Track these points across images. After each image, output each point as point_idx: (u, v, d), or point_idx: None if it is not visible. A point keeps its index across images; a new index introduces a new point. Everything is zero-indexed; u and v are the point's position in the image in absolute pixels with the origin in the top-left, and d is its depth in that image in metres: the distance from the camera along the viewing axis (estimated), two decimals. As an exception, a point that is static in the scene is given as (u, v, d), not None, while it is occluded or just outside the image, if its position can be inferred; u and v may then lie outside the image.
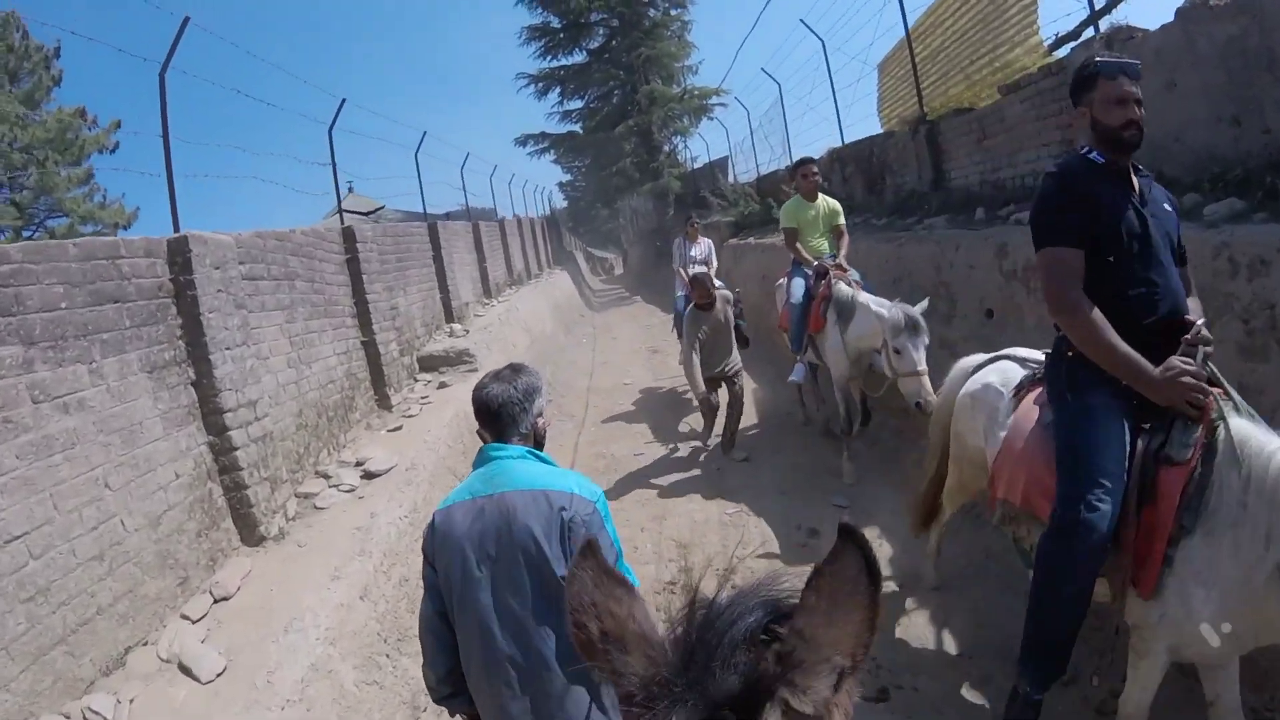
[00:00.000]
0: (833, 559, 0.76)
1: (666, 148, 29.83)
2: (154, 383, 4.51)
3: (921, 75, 9.95)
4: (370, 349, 7.83)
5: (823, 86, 15.45)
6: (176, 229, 5.24)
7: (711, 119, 28.13)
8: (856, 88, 18.44)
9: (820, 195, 7.30)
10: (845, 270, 6.61)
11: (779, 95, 17.27)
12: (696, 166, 28.90)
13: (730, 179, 23.21)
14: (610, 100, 29.65)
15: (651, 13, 28.26)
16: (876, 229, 9.69)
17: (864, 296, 6.03)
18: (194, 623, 4.34)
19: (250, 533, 5.10)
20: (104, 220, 24.42)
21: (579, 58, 29.61)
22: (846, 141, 13.14)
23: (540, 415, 2.32)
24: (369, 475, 6.04)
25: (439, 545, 2.19)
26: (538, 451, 2.29)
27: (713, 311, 7.24)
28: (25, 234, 22.30)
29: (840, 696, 0.74)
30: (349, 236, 7.74)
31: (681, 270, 9.81)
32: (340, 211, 21.69)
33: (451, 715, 2.43)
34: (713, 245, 10.57)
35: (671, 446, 8.43)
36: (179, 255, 4.75)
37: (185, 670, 3.92)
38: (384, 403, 7.96)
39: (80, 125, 24.81)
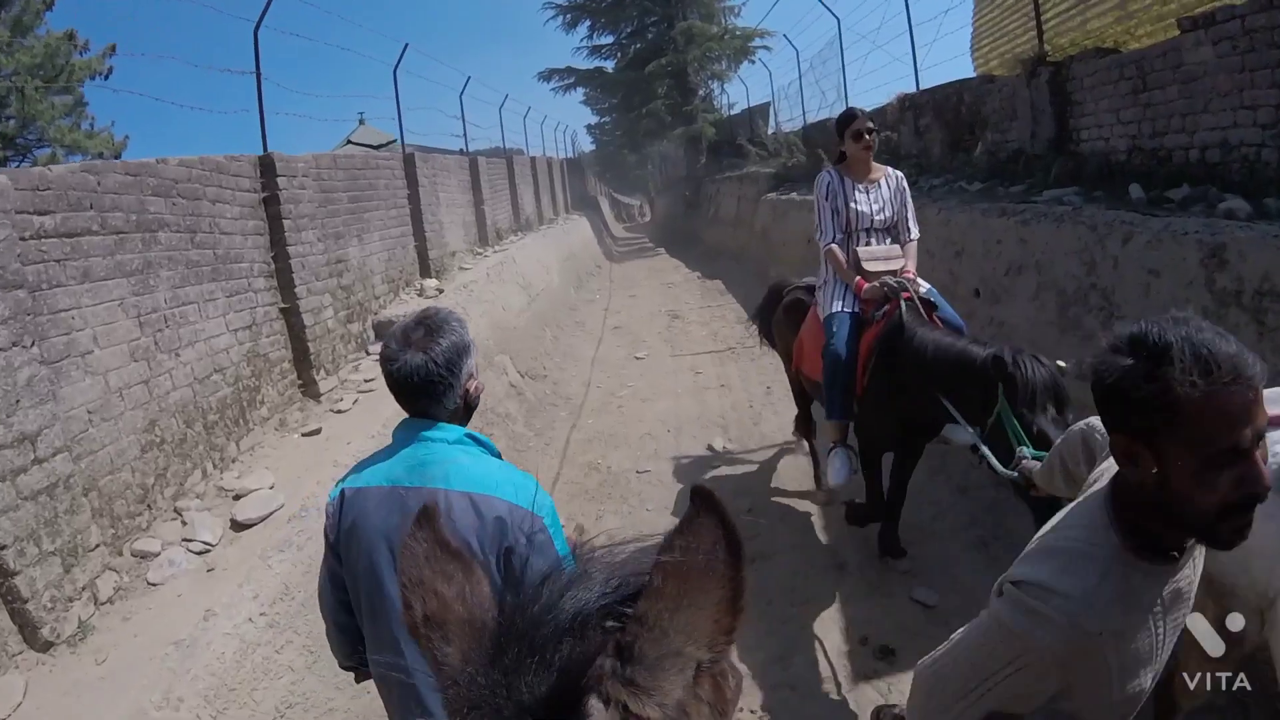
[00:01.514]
0: (684, 529, 0.62)
1: (701, 92, 27.29)
2: None
3: (1046, 1, 7.66)
4: (293, 319, 5.85)
5: (895, 21, 13.15)
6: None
7: (753, 62, 25.58)
8: (941, 22, 15.47)
9: None
10: None
11: (837, 31, 14.85)
12: (734, 113, 26.37)
13: (772, 128, 20.78)
14: (644, 37, 27.01)
15: (693, -55, 25.57)
16: (969, 195, 7.51)
17: None
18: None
19: (33, 634, 3.19)
20: (90, 149, 22.53)
21: (611, -8, 27.04)
22: (923, 87, 10.80)
23: (471, 377, 1.80)
24: (237, 525, 4.09)
25: (346, 532, 1.75)
26: (478, 436, 1.80)
27: None
28: (12, 165, 20.53)
29: (701, 692, 0.60)
30: (267, 168, 5.68)
31: (839, 254, 4.31)
32: (348, 144, 19.60)
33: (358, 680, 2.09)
34: (907, 190, 4.47)
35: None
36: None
37: None
38: (310, 389, 6.01)
39: (70, 50, 22.85)
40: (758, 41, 25.09)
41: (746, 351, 10.03)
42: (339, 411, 5.69)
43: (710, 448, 6.87)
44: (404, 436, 1.78)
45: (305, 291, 5.96)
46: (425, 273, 9.47)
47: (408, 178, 9.32)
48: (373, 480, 1.76)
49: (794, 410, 5.96)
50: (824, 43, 16.47)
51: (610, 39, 27.63)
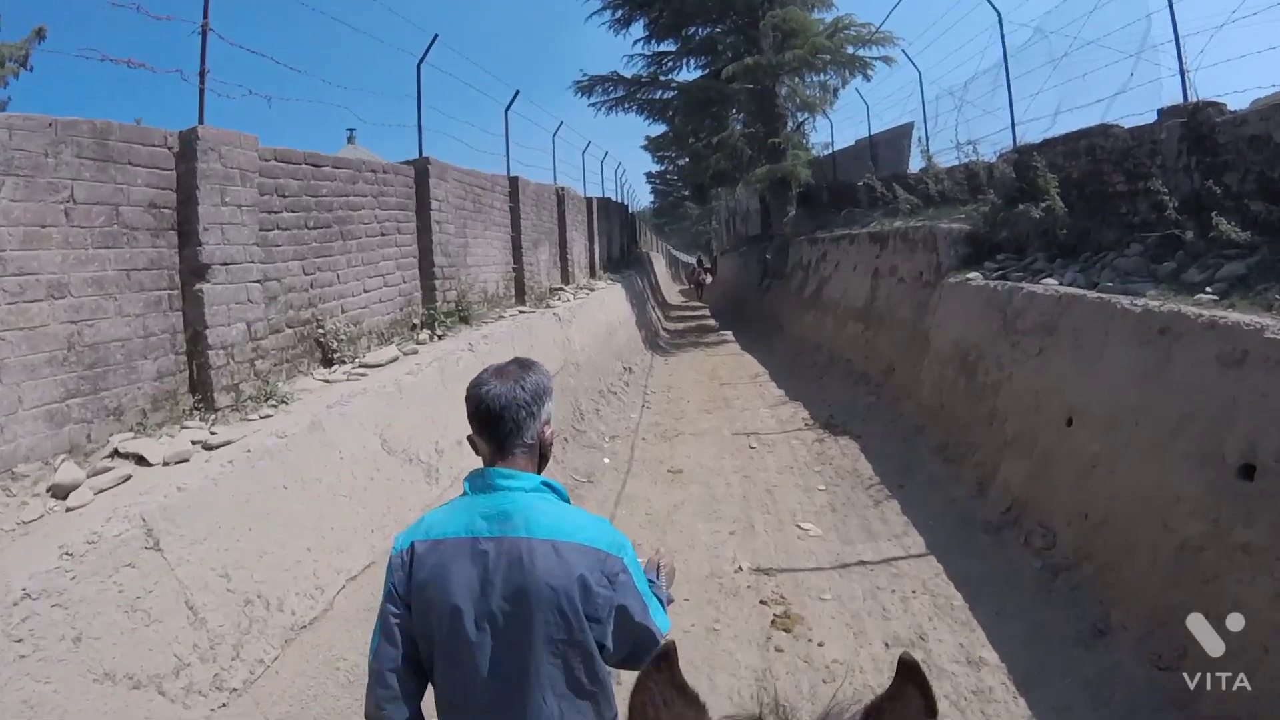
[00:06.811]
0: (893, 697, 0.73)
1: (790, 123, 18.83)
2: None
3: None
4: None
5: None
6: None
7: (868, 78, 17.09)
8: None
9: None
10: None
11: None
12: (843, 148, 17.89)
13: (921, 161, 12.05)
14: (719, 46, 18.70)
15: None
16: None
17: None
18: None
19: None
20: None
21: (679, -10, 18.81)
22: None
23: (548, 424, 1.79)
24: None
25: (419, 586, 1.64)
26: (552, 484, 1.75)
27: None
28: None
29: None
30: None
31: None
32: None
33: None
34: None
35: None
36: None
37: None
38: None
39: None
40: (875, 50, 16.69)
41: None
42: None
43: None
44: (480, 484, 1.71)
45: None
46: None
47: None
48: (449, 531, 1.67)
49: None
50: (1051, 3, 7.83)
51: (673, 45, 19.34)
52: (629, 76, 18.95)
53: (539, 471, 1.77)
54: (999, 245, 7.71)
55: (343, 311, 5.80)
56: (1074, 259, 6.55)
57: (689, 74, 19.52)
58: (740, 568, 5.02)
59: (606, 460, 7.40)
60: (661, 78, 19.26)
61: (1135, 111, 7.04)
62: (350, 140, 21.76)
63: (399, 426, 4.69)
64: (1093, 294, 5.26)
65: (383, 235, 6.51)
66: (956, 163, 10.08)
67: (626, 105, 19.47)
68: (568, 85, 19.48)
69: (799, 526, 5.68)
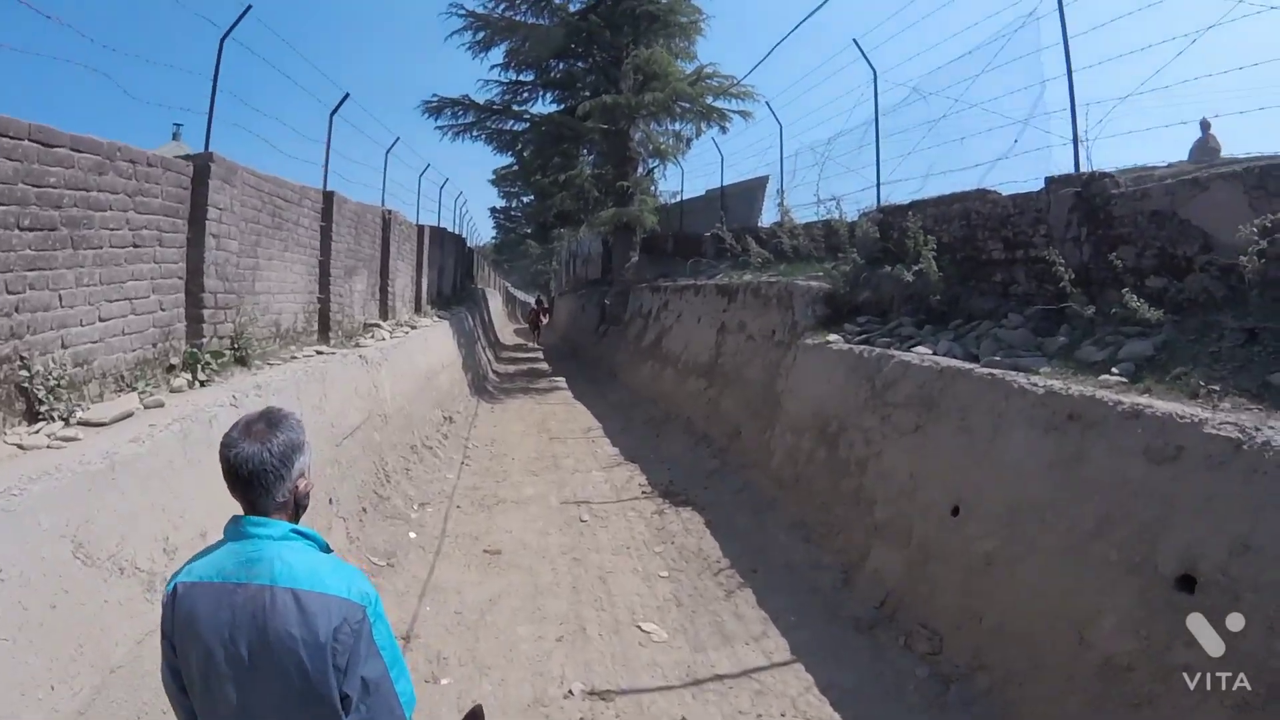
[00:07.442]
0: None
1: (641, 168, 18.39)
2: None
3: None
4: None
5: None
6: None
7: (725, 129, 16.96)
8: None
9: None
10: None
11: None
12: (693, 197, 17.57)
13: (775, 215, 11.67)
14: (580, 80, 18.06)
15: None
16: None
17: None
18: None
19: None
20: None
21: (542, 20, 17.92)
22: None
23: (302, 476, 1.74)
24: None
25: (179, 625, 1.63)
26: (304, 531, 1.71)
27: None
28: None
29: None
30: None
31: None
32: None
33: None
34: None
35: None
36: None
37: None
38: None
39: None
40: (736, 103, 16.63)
41: None
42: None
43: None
44: (232, 532, 1.69)
45: None
46: None
47: None
48: (204, 574, 1.64)
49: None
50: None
51: (532, 76, 18.41)
52: (481, 103, 17.81)
53: (295, 521, 1.73)
54: (860, 307, 7.21)
55: (64, 346, 4.17)
56: (943, 326, 6.08)
57: (544, 107, 18.79)
58: (571, 691, 3.91)
59: (412, 535, 6.08)
60: (515, 107, 18.28)
61: (1014, 179, 6.78)
62: (175, 137, 18.97)
63: (105, 521, 3.16)
64: (981, 368, 4.68)
65: (135, 247, 4.89)
66: (815, 219, 9.70)
67: (475, 132, 18.31)
68: (415, 104, 18.03)
69: (640, 628, 4.66)
